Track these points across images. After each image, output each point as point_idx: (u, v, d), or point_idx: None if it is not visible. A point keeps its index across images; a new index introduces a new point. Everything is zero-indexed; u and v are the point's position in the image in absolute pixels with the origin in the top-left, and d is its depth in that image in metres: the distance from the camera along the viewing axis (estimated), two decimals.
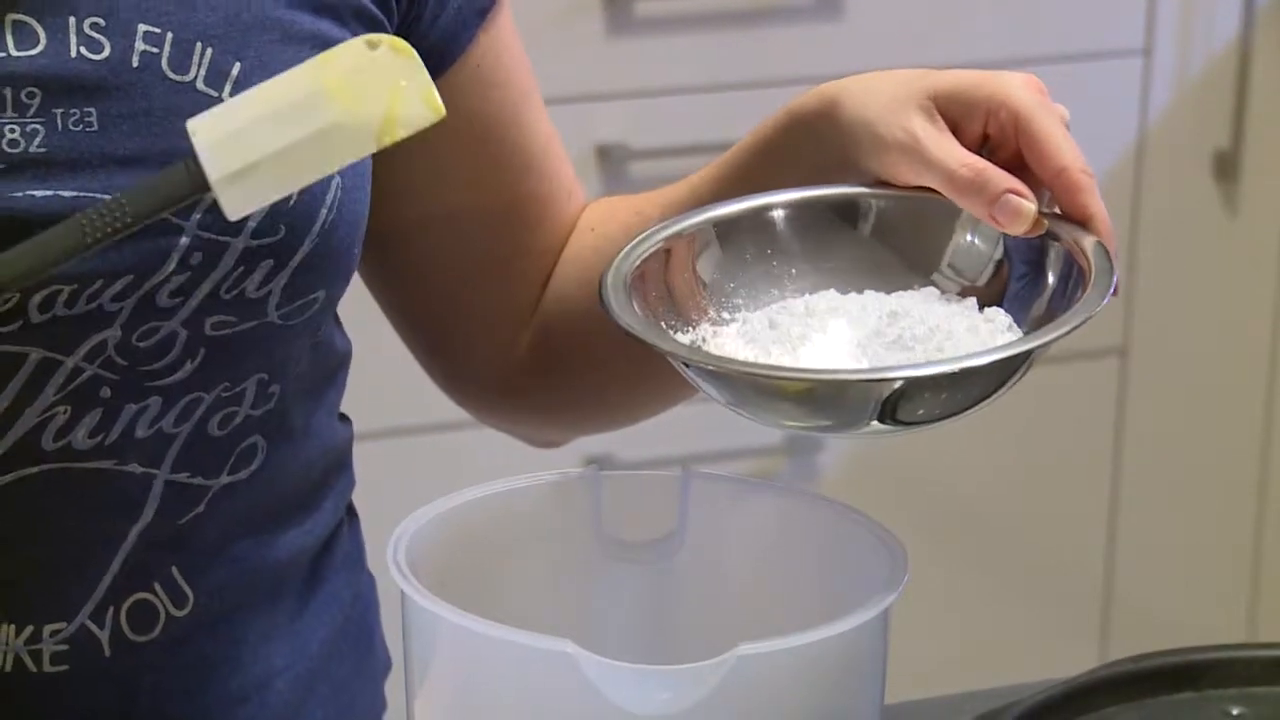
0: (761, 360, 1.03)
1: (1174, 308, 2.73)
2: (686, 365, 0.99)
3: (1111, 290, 1.02)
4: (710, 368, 1.01)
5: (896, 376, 0.97)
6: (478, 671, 0.96)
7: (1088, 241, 1.06)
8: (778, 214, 1.16)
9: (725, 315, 1.11)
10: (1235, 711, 1.11)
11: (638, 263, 1.09)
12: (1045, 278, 1.10)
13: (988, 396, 0.98)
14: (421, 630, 0.98)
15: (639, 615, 1.09)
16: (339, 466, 1.32)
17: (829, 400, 1.00)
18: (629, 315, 1.03)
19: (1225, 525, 2.79)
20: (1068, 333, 0.99)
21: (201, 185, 0.96)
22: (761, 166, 1.23)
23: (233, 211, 0.98)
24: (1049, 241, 1.09)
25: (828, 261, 1.15)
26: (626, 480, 1.09)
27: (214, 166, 0.97)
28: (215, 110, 1.01)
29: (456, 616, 0.93)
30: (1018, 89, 1.10)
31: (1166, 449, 2.71)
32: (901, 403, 0.97)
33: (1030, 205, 1.08)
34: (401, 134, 0.99)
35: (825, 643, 0.93)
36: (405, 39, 1.11)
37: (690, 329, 1.09)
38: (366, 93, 1.00)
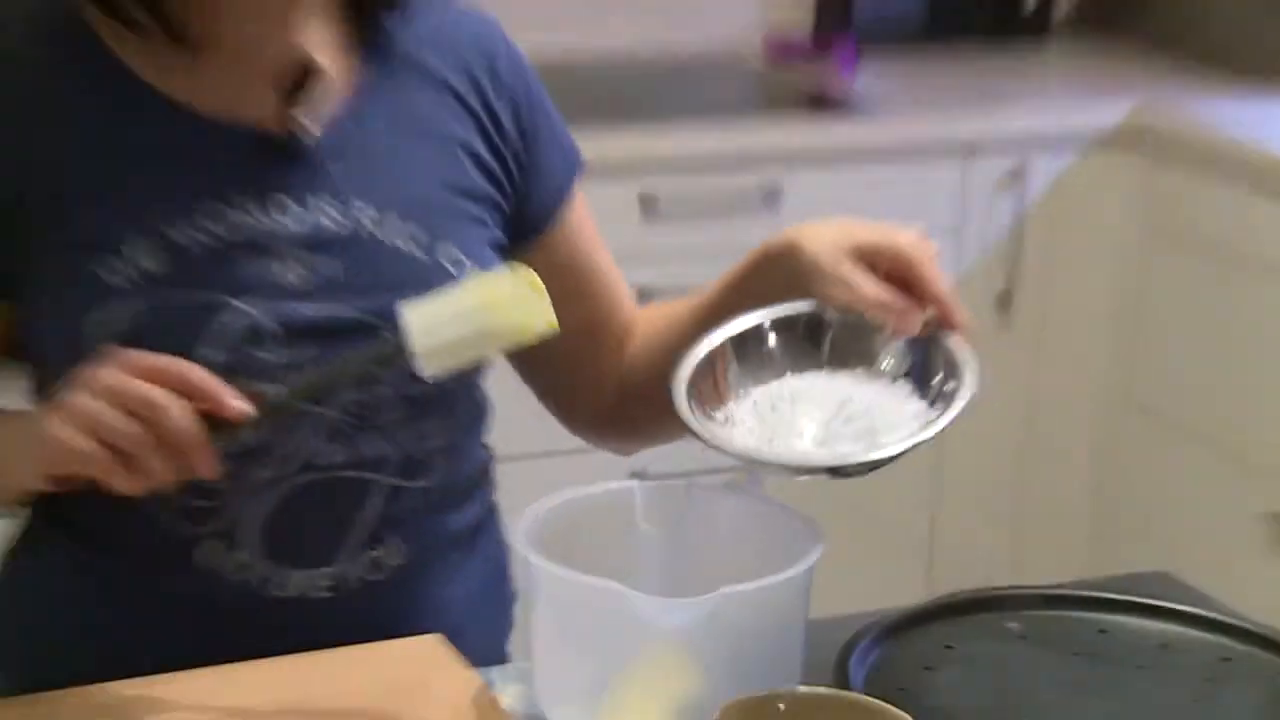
0: (758, 445, 1.18)
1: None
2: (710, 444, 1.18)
3: (976, 374, 1.19)
4: (727, 451, 1.17)
5: (834, 465, 1.15)
6: (564, 601, 1.13)
7: (954, 339, 1.22)
8: (768, 326, 1.28)
9: (743, 392, 1.24)
10: (1010, 625, 1.24)
11: (691, 369, 1.23)
12: (935, 362, 1.23)
13: (899, 458, 1.16)
14: (533, 576, 1.13)
15: (662, 570, 1.21)
16: (485, 476, 1.45)
17: (791, 472, 1.18)
18: (684, 409, 1.19)
19: (1010, 503, 3.05)
20: (960, 413, 1.17)
21: (408, 352, 1.12)
22: (747, 283, 1.34)
23: (425, 372, 1.13)
24: (931, 340, 1.22)
25: (803, 354, 1.27)
26: (656, 488, 1.24)
27: (417, 343, 1.12)
28: (421, 304, 1.13)
29: (552, 567, 1.10)
30: (908, 243, 1.23)
31: (972, 466, 2.93)
32: (843, 472, 1.15)
33: (919, 318, 1.21)
34: (528, 339, 1.14)
35: (775, 585, 1.08)
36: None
37: (722, 406, 1.23)
38: (512, 310, 1.13)
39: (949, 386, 1.21)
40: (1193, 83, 3.08)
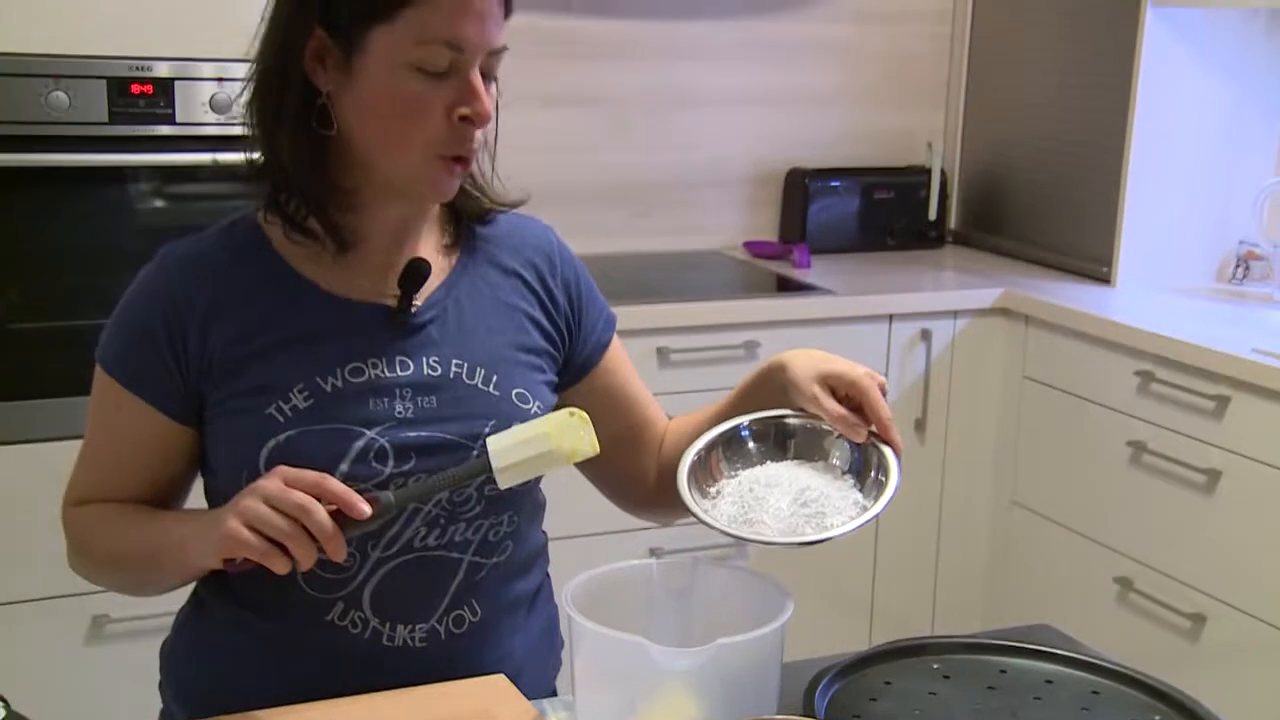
0: (739, 523, 1.16)
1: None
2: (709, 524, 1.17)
3: (900, 474, 1.18)
4: (713, 527, 1.17)
5: (796, 542, 1.14)
6: (599, 649, 1.09)
7: (889, 450, 1.21)
8: (750, 428, 1.27)
9: (731, 473, 1.23)
10: (935, 666, 1.21)
11: (691, 459, 1.23)
12: (871, 461, 1.22)
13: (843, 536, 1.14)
14: (576, 630, 1.10)
15: (673, 626, 1.19)
16: (542, 554, 1.42)
17: (764, 544, 1.15)
18: (686, 493, 1.19)
19: (928, 572, 2.95)
20: (888, 503, 1.16)
21: (490, 470, 1.15)
22: (749, 392, 1.33)
23: (501, 485, 1.15)
24: (870, 448, 1.22)
25: (775, 449, 1.25)
26: (669, 563, 1.22)
27: (496, 463, 1.15)
28: (499, 435, 1.16)
29: (590, 624, 1.08)
30: (862, 376, 1.23)
31: (901, 543, 2.89)
32: (805, 545, 1.13)
33: (863, 430, 1.21)
34: (578, 460, 1.15)
35: (758, 639, 1.07)
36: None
37: (714, 483, 1.22)
38: (566, 439, 1.14)
39: (880, 479, 1.19)
40: (1042, 272, 3.11)
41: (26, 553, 2.27)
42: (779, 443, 1.26)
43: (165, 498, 1.30)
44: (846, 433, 1.22)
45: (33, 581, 2.28)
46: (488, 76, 1.21)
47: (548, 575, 1.43)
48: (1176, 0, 2.79)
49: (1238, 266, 2.96)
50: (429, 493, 1.19)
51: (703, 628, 1.16)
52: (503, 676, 1.27)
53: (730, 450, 1.25)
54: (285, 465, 1.14)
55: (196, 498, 1.34)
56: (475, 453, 1.22)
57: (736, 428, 1.26)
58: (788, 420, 1.26)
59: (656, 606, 1.19)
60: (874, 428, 1.22)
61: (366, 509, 1.11)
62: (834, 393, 1.23)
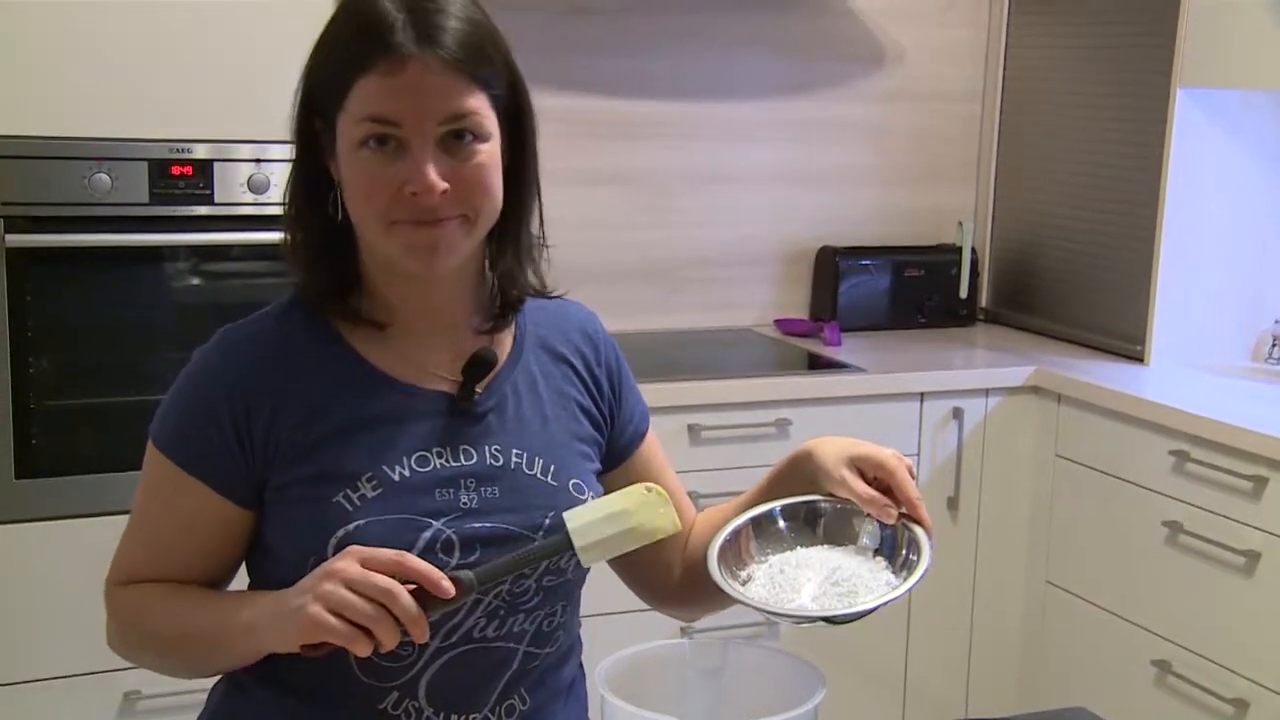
0: (771, 603, 1.17)
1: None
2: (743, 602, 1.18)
3: (932, 553, 1.18)
4: (749, 605, 1.18)
5: (826, 617, 1.15)
6: None
7: (919, 529, 1.22)
8: (779, 512, 1.27)
9: (761, 559, 1.24)
10: None
11: (720, 543, 1.23)
12: (901, 541, 1.22)
13: (874, 611, 1.15)
14: (609, 711, 1.12)
15: (706, 705, 1.21)
16: (578, 639, 1.41)
17: (796, 620, 1.17)
18: (716, 572, 1.20)
19: (961, 652, 2.94)
20: (919, 580, 1.16)
21: (570, 547, 1.17)
22: (777, 482, 1.33)
23: (585, 563, 1.19)
24: (901, 528, 1.23)
25: (805, 533, 1.26)
26: (701, 643, 1.26)
27: (578, 540, 1.17)
28: (578, 509, 1.18)
29: (623, 704, 1.10)
30: (889, 458, 1.24)
31: (934, 624, 2.87)
32: (834, 621, 1.14)
33: (894, 511, 1.22)
34: (659, 536, 1.16)
35: (794, 715, 1.08)
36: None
37: (745, 567, 1.23)
38: (647, 515, 1.15)
39: (911, 559, 1.19)
40: (1074, 350, 3.10)
41: (58, 628, 2.28)
42: (809, 526, 1.25)
43: (216, 579, 1.28)
44: (877, 514, 1.22)
45: (65, 658, 2.29)
46: (466, 139, 1.18)
47: (582, 662, 1.43)
48: (1206, 81, 2.82)
49: (1274, 345, 2.97)
50: (509, 571, 1.19)
51: (735, 708, 1.16)
52: None
53: (761, 534, 1.25)
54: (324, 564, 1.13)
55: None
56: (545, 525, 1.23)
57: (768, 511, 1.26)
58: (818, 504, 1.26)
59: (688, 686, 1.19)
60: (904, 508, 1.22)
61: (450, 587, 1.11)
62: (862, 475, 1.24)
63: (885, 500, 1.22)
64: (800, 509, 1.26)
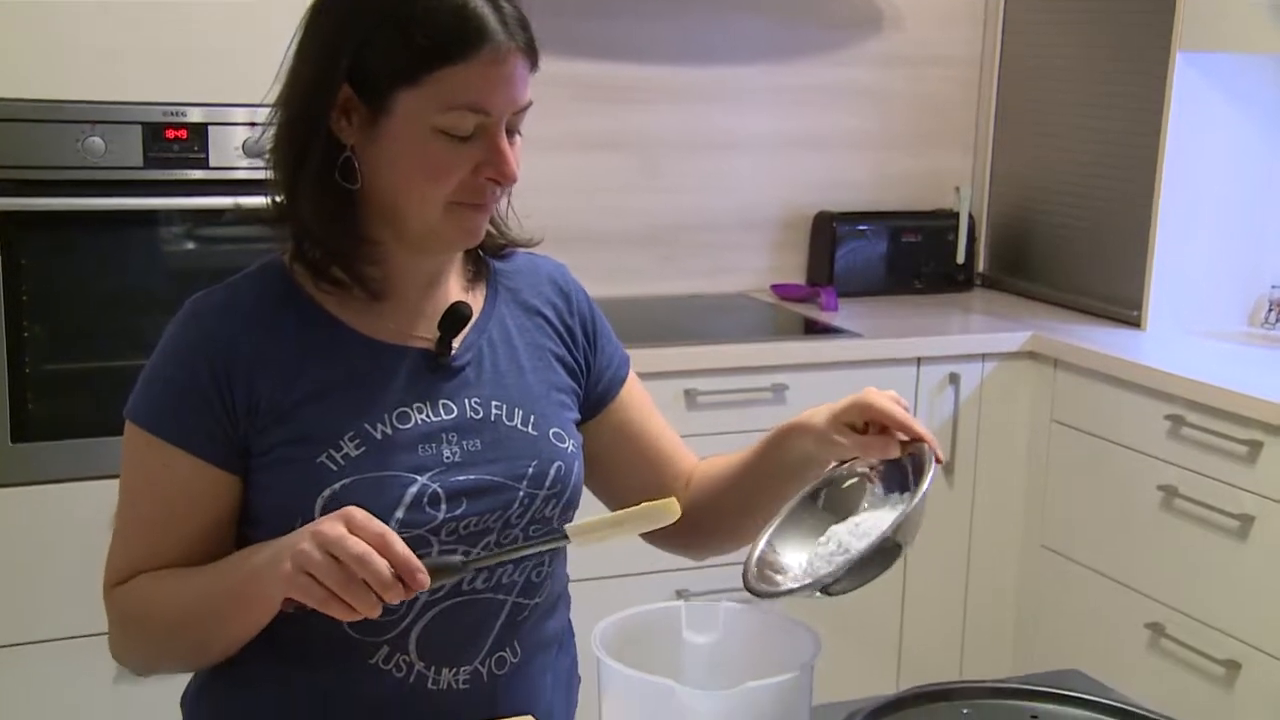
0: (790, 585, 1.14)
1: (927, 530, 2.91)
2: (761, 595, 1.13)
3: (935, 460, 1.15)
4: (771, 594, 1.14)
5: (818, 580, 1.10)
6: (628, 692, 1.10)
7: (922, 447, 1.18)
8: (791, 510, 1.24)
9: (784, 550, 1.21)
10: (964, 711, 1.20)
11: (759, 551, 1.20)
12: (913, 476, 1.17)
13: (874, 572, 1.10)
14: (605, 673, 1.10)
15: (701, 668, 1.19)
16: (565, 591, 1.42)
17: (789, 595, 1.13)
18: (753, 581, 1.16)
19: (956, 617, 2.94)
20: (925, 492, 1.11)
21: (565, 539, 1.16)
22: (769, 448, 1.34)
23: (578, 545, 1.16)
24: (908, 460, 1.19)
25: (827, 518, 1.22)
26: (697, 605, 1.21)
27: (575, 537, 1.15)
28: (580, 523, 1.16)
29: (620, 667, 1.08)
30: (880, 398, 1.21)
31: (929, 589, 2.87)
32: (831, 588, 1.10)
33: (894, 445, 1.20)
34: (661, 524, 1.13)
35: (785, 681, 1.07)
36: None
37: (781, 564, 1.19)
38: (644, 522, 1.12)
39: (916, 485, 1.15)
40: (1071, 316, 3.09)
41: (55, 592, 2.29)
42: (829, 511, 1.23)
43: (214, 557, 1.24)
44: (881, 454, 1.21)
45: (61, 621, 2.29)
46: (513, 132, 1.22)
47: (570, 618, 1.44)
48: (1206, 45, 2.81)
49: (1270, 310, 2.97)
50: (498, 562, 1.21)
51: (731, 671, 1.14)
52: (532, 718, 1.27)
53: (788, 541, 1.21)
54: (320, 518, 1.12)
55: None
56: (528, 475, 1.25)
57: (787, 515, 1.23)
58: (822, 487, 1.24)
59: (684, 649, 1.18)
60: (903, 436, 1.20)
61: (426, 581, 1.09)
62: (853, 427, 1.23)
63: (883, 439, 1.21)
64: (812, 498, 1.24)
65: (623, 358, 1.44)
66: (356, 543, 1.07)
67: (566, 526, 1.15)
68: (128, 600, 1.24)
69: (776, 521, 1.21)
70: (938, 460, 1.16)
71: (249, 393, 1.21)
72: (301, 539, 1.10)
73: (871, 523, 1.15)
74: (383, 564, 1.07)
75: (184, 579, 1.22)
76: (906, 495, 1.16)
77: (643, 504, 1.13)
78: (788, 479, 1.29)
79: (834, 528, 1.18)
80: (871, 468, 1.22)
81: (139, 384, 1.25)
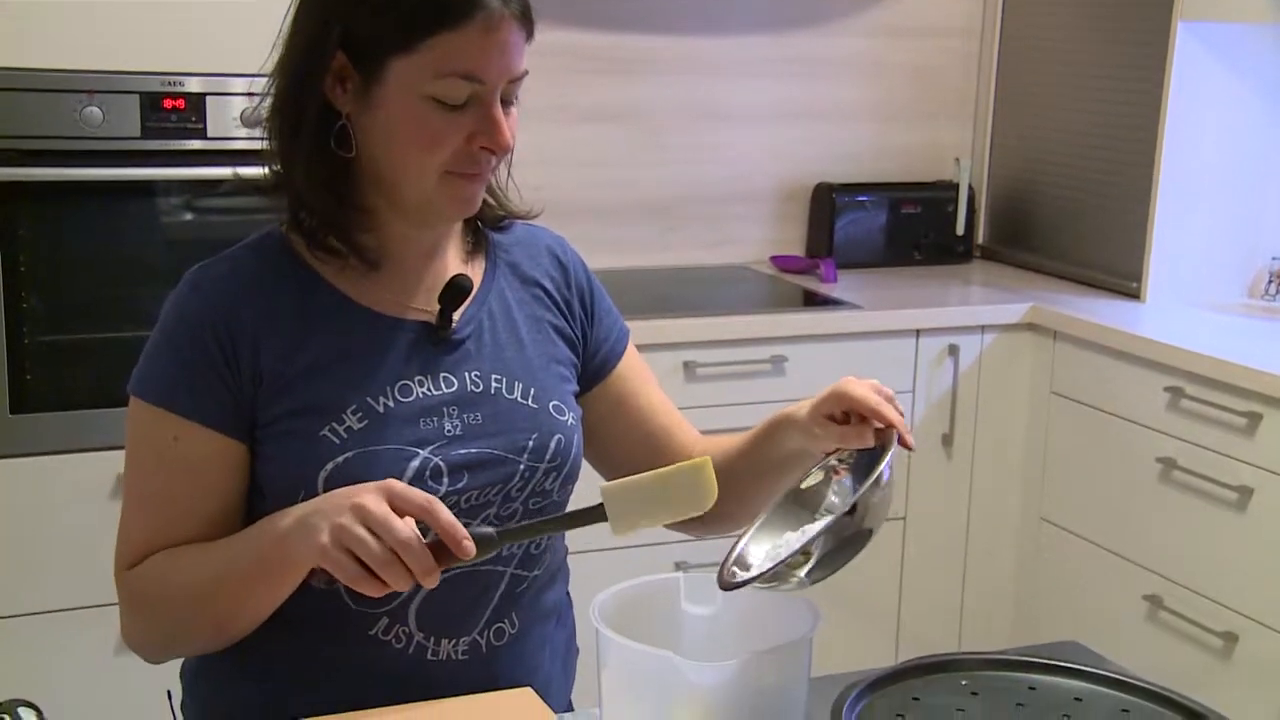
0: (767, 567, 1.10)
1: (914, 499, 2.84)
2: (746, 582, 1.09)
3: (900, 444, 1.15)
4: (733, 584, 1.11)
5: (795, 554, 1.08)
6: (627, 664, 1.09)
7: (891, 433, 1.18)
8: (772, 510, 1.21)
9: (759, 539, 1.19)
10: (963, 682, 1.20)
11: (736, 553, 1.17)
12: (878, 462, 1.14)
13: (838, 561, 1.09)
14: (604, 645, 1.10)
15: (700, 639, 1.19)
16: (564, 563, 1.42)
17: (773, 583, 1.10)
18: (727, 577, 1.12)
19: (954, 589, 2.95)
20: (865, 490, 1.10)
21: (604, 518, 1.11)
22: (762, 443, 1.34)
23: (617, 533, 1.11)
24: (880, 449, 1.18)
25: (805, 516, 1.21)
26: (695, 577, 1.20)
27: (614, 519, 1.11)
28: (617, 483, 1.11)
29: (618, 639, 1.08)
30: (857, 387, 1.20)
31: (927, 561, 2.90)
32: (814, 571, 1.09)
33: (868, 434, 1.20)
34: (693, 514, 1.10)
35: (784, 651, 1.08)
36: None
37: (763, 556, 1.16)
38: (685, 494, 1.10)
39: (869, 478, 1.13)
40: (1070, 287, 3.09)
41: (55, 563, 2.29)
42: (805, 508, 1.22)
43: (227, 530, 1.23)
44: (859, 443, 1.20)
45: (61, 591, 2.30)
46: (508, 102, 1.21)
47: (569, 590, 1.44)
48: (1207, 15, 2.79)
49: (1270, 282, 2.96)
50: (534, 534, 1.22)
51: (730, 642, 1.15)
52: (530, 690, 1.26)
53: (767, 527, 1.20)
54: (356, 486, 1.12)
55: None
56: (528, 447, 1.24)
57: (769, 514, 1.22)
58: (801, 487, 1.23)
59: (683, 621, 1.18)
60: (877, 424, 1.20)
61: (472, 549, 1.09)
62: (832, 418, 1.22)
63: (860, 429, 1.20)
64: (785, 499, 1.22)
65: (621, 330, 1.43)
66: (402, 527, 1.07)
67: (605, 493, 1.11)
68: (143, 580, 1.23)
69: (758, 523, 1.20)
70: (904, 444, 1.15)
71: (253, 362, 1.21)
72: (339, 511, 1.09)
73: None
74: (426, 552, 1.07)
75: (204, 551, 1.21)
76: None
77: (677, 464, 1.10)
78: (781, 472, 1.30)
79: (807, 526, 1.18)
80: (843, 460, 1.22)
81: (142, 359, 1.24)
